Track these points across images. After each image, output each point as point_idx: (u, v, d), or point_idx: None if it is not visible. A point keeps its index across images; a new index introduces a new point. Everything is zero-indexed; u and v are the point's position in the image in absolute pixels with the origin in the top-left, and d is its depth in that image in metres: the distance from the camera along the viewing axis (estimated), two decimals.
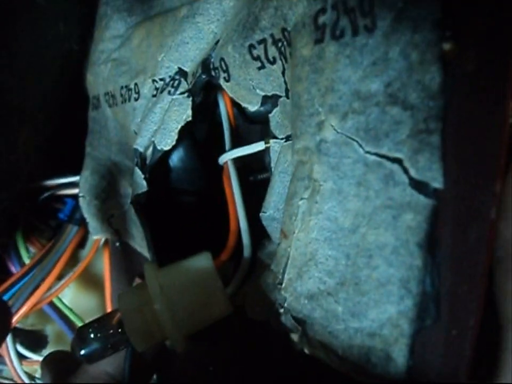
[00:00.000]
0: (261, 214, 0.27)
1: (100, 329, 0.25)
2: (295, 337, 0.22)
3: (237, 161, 0.32)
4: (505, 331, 0.17)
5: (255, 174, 0.34)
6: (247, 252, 0.28)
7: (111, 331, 0.25)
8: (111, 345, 0.25)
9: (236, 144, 0.32)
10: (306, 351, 0.22)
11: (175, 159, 0.35)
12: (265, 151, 0.28)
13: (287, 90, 0.25)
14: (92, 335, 0.25)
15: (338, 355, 0.20)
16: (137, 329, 0.25)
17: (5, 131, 0.33)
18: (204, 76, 0.29)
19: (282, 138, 0.26)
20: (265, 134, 0.29)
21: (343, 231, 0.20)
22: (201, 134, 0.36)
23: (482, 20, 0.16)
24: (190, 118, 0.30)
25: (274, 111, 0.26)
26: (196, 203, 0.36)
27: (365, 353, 0.19)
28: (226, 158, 0.31)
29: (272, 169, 0.27)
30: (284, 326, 0.22)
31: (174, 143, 0.31)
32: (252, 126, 0.33)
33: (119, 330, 0.25)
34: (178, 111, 0.30)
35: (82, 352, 0.24)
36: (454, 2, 0.16)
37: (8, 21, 0.29)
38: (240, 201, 0.29)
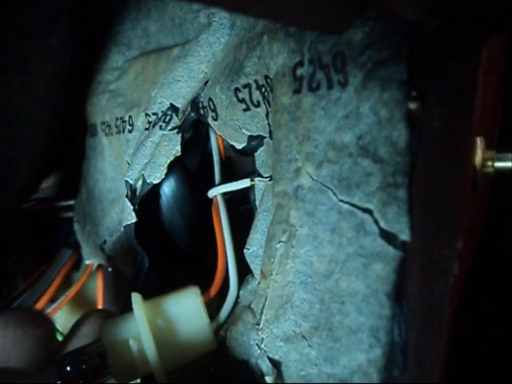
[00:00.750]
0: (244, 251, 0.28)
1: (78, 360, 0.25)
2: (270, 379, 0.22)
3: (226, 193, 0.32)
4: None
5: (245, 204, 0.34)
6: (233, 290, 0.28)
7: (91, 362, 0.25)
8: (89, 376, 0.25)
9: (226, 177, 0.32)
10: None
11: (166, 191, 0.36)
12: (251, 188, 0.29)
13: (270, 132, 0.25)
14: (69, 368, 0.25)
15: None
16: (121, 361, 0.25)
17: (12, 161, 0.35)
18: (192, 114, 0.30)
19: (267, 177, 0.27)
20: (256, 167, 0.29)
21: (318, 276, 0.21)
22: (193, 166, 0.36)
23: (446, 81, 0.17)
24: (179, 153, 0.31)
25: (259, 150, 0.27)
26: (186, 234, 0.36)
27: None
28: (215, 192, 0.32)
29: (257, 207, 0.28)
30: (260, 367, 0.23)
31: (163, 176, 0.31)
32: (243, 158, 0.34)
33: (99, 361, 0.25)
34: (168, 146, 0.31)
35: (59, 382, 0.24)
36: (419, 64, 0.17)
37: (24, 62, 0.30)
38: (229, 237, 0.30)
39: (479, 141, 0.20)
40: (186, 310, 0.26)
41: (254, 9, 0.14)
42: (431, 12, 0.15)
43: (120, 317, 0.26)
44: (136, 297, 0.26)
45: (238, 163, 0.35)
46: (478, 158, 0.20)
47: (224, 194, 0.32)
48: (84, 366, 0.25)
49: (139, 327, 0.25)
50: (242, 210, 0.35)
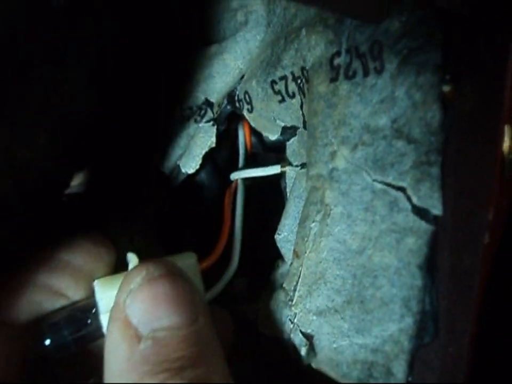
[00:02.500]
0: (275, 236, 0.29)
1: (71, 318, 0.23)
2: (303, 350, 0.23)
3: (252, 184, 0.34)
4: None
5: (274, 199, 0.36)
6: (235, 259, 0.29)
7: (84, 321, 0.23)
8: (81, 336, 0.23)
9: (250, 166, 0.34)
10: (313, 365, 0.23)
11: (197, 182, 0.37)
12: (282, 177, 0.30)
13: (304, 122, 0.27)
14: (62, 323, 0.23)
15: (343, 370, 0.22)
16: None
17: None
18: (229, 107, 0.31)
19: (297, 166, 0.28)
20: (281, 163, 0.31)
21: (351, 253, 0.22)
22: (223, 159, 0.38)
23: (479, 65, 0.18)
24: (213, 145, 0.32)
25: (292, 140, 0.29)
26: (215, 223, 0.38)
27: (367, 368, 0.21)
28: (239, 175, 0.33)
29: (287, 194, 0.29)
30: (293, 341, 0.24)
31: (197, 167, 0.33)
32: (269, 155, 0.35)
33: (90, 321, 0.24)
34: (204, 137, 0.32)
35: (48, 341, 0.23)
36: (453, 49, 0.18)
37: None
38: (241, 213, 0.31)
39: (506, 129, 0.21)
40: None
41: None
42: (464, 1, 0.17)
43: (115, 275, 0.25)
44: (131, 256, 0.25)
45: (263, 161, 0.37)
46: (505, 145, 0.21)
47: (249, 182, 0.33)
48: (75, 324, 0.23)
49: None
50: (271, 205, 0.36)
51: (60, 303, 0.24)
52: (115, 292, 0.22)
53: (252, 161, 0.35)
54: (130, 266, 0.25)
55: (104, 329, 0.23)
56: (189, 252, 0.26)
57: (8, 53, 0.21)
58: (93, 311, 0.24)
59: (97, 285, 0.24)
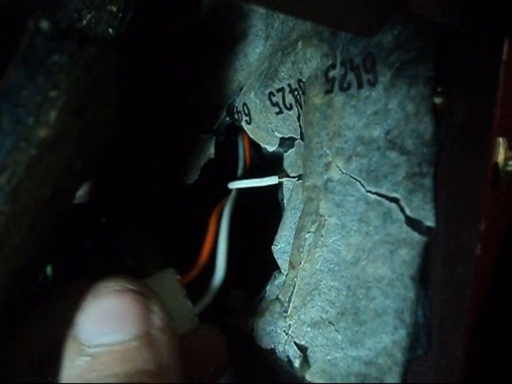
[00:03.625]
0: (272, 247, 0.29)
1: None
2: (297, 362, 0.23)
3: (249, 196, 0.34)
4: None
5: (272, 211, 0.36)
6: (219, 273, 0.28)
7: None
8: None
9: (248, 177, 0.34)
10: (307, 377, 0.23)
11: (197, 193, 0.38)
12: (279, 189, 0.30)
13: (301, 134, 0.27)
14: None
15: (336, 382, 0.21)
16: None
17: None
18: (227, 118, 0.32)
19: (294, 177, 0.28)
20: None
21: (345, 264, 0.22)
22: (223, 170, 0.38)
23: (470, 77, 0.18)
24: (212, 156, 0.32)
25: (290, 151, 0.29)
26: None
27: (361, 381, 0.20)
28: (237, 185, 0.33)
29: (285, 206, 0.29)
30: (287, 353, 0.24)
31: (197, 177, 0.33)
32: (267, 166, 0.35)
33: None
34: (203, 148, 0.33)
35: None
36: (445, 62, 0.19)
37: None
38: (227, 224, 0.29)
39: (501, 140, 0.21)
40: (164, 289, 0.25)
41: (298, 10, 0.16)
42: (455, 15, 0.17)
43: None
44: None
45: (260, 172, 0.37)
46: (500, 157, 0.21)
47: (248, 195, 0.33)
48: None
49: None
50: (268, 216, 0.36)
51: None
52: None
53: (251, 172, 0.35)
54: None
55: None
56: (169, 268, 0.26)
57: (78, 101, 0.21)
58: None
59: None
